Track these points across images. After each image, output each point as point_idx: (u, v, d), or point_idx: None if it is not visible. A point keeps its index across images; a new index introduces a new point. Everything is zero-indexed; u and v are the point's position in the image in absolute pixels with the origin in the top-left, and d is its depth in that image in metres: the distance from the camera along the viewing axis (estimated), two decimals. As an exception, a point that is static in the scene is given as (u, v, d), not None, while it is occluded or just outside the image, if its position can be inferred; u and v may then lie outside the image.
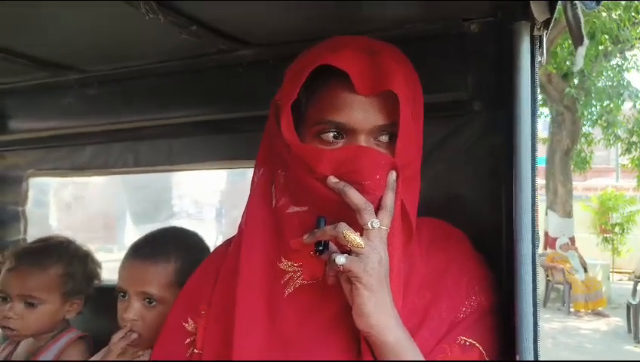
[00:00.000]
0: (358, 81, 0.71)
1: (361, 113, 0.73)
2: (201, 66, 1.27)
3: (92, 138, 1.57)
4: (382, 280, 0.68)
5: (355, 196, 0.69)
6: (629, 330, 6.55)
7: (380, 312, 0.68)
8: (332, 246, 0.72)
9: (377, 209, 0.71)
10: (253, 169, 0.86)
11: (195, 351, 0.83)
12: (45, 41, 1.20)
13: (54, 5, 0.96)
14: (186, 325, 0.86)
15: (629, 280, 8.44)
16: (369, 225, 0.69)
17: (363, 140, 0.74)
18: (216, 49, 1.17)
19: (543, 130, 10.43)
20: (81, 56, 1.31)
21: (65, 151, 1.64)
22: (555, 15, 0.67)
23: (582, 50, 0.58)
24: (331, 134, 0.75)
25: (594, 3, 0.52)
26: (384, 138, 0.75)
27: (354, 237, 0.68)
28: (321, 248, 0.71)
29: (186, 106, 1.36)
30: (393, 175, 0.73)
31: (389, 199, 0.72)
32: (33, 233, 1.76)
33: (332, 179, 0.71)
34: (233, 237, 0.89)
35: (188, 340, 0.85)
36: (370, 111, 0.73)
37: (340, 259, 0.67)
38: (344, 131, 0.75)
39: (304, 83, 0.74)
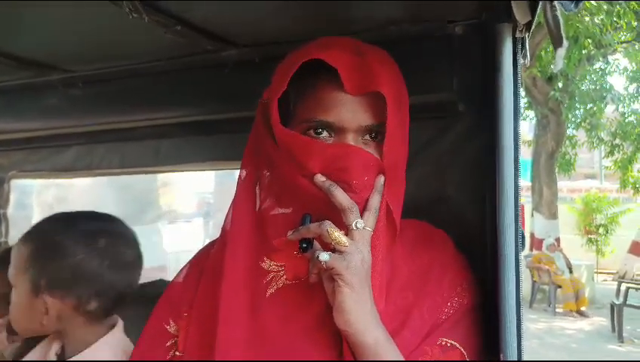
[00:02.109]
0: (347, 79, 0.72)
1: (349, 112, 0.73)
2: (187, 67, 1.27)
3: (76, 139, 1.56)
4: (363, 280, 0.69)
5: (341, 196, 0.70)
6: (613, 330, 6.65)
7: (360, 311, 0.68)
8: (316, 244, 0.72)
9: (363, 210, 0.72)
10: (238, 170, 0.86)
11: (177, 353, 0.82)
12: (29, 41, 1.18)
13: (38, 4, 0.95)
14: (168, 327, 0.85)
15: (612, 280, 8.57)
16: (353, 226, 0.69)
17: (351, 139, 0.74)
18: (201, 49, 1.16)
19: (528, 132, 10.55)
20: (65, 56, 1.30)
21: (48, 152, 1.62)
22: (536, 17, 0.68)
23: (561, 52, 0.59)
24: (320, 132, 0.75)
25: (572, 5, 0.53)
26: (371, 138, 0.76)
27: (338, 235, 0.68)
28: (305, 245, 0.72)
29: (172, 107, 1.35)
30: (381, 179, 0.74)
31: (375, 201, 0.72)
32: (15, 236, 1.73)
33: (319, 178, 0.72)
34: (216, 239, 0.88)
35: (169, 342, 0.84)
36: (359, 110, 0.74)
37: (324, 256, 0.67)
38: (332, 130, 0.75)
39: (293, 81, 0.74)
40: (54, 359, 1.12)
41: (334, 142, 0.75)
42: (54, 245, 1.07)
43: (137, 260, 1.17)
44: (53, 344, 1.14)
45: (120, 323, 1.15)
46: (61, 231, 1.10)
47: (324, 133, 0.75)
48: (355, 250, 0.68)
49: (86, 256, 1.07)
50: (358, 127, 0.74)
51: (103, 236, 1.11)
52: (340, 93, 0.73)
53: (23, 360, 1.17)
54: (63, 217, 1.17)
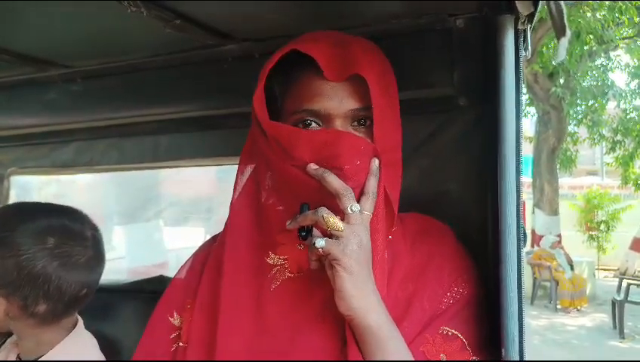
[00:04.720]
0: (326, 66, 0.73)
1: (334, 99, 0.74)
2: (187, 61, 1.26)
3: (76, 135, 1.55)
4: (362, 263, 0.69)
5: (334, 181, 0.70)
6: (614, 326, 6.65)
7: (361, 295, 0.68)
8: (316, 232, 0.73)
9: (360, 195, 0.72)
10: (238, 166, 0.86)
11: (181, 344, 0.83)
12: (28, 36, 1.18)
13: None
14: (172, 319, 0.86)
15: (614, 277, 8.57)
16: (349, 210, 0.69)
17: (339, 125, 0.75)
18: (201, 44, 1.16)
19: (529, 129, 10.53)
20: (64, 52, 1.29)
21: (48, 149, 1.62)
22: (538, 9, 0.67)
23: (564, 42, 0.58)
24: (308, 123, 0.75)
25: (575, -5, 0.52)
26: (360, 124, 0.76)
27: (333, 221, 0.68)
28: (304, 234, 0.72)
29: (172, 102, 1.34)
30: (376, 162, 0.74)
31: (372, 185, 0.72)
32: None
33: (312, 167, 0.72)
34: (218, 234, 0.89)
35: (173, 334, 0.85)
36: (343, 96, 0.74)
37: (320, 242, 0.67)
38: (320, 118, 0.75)
39: (279, 78, 0.76)
40: None
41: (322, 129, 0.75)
42: (1, 241, 1.01)
43: (94, 261, 1.08)
44: (11, 350, 1.12)
45: (80, 322, 1.11)
46: (10, 226, 1.02)
47: (313, 125, 0.75)
48: (351, 234, 0.68)
49: (32, 255, 0.99)
50: (344, 113, 0.74)
51: (54, 234, 1.03)
52: (322, 81, 0.74)
53: None
54: (17, 210, 1.12)
